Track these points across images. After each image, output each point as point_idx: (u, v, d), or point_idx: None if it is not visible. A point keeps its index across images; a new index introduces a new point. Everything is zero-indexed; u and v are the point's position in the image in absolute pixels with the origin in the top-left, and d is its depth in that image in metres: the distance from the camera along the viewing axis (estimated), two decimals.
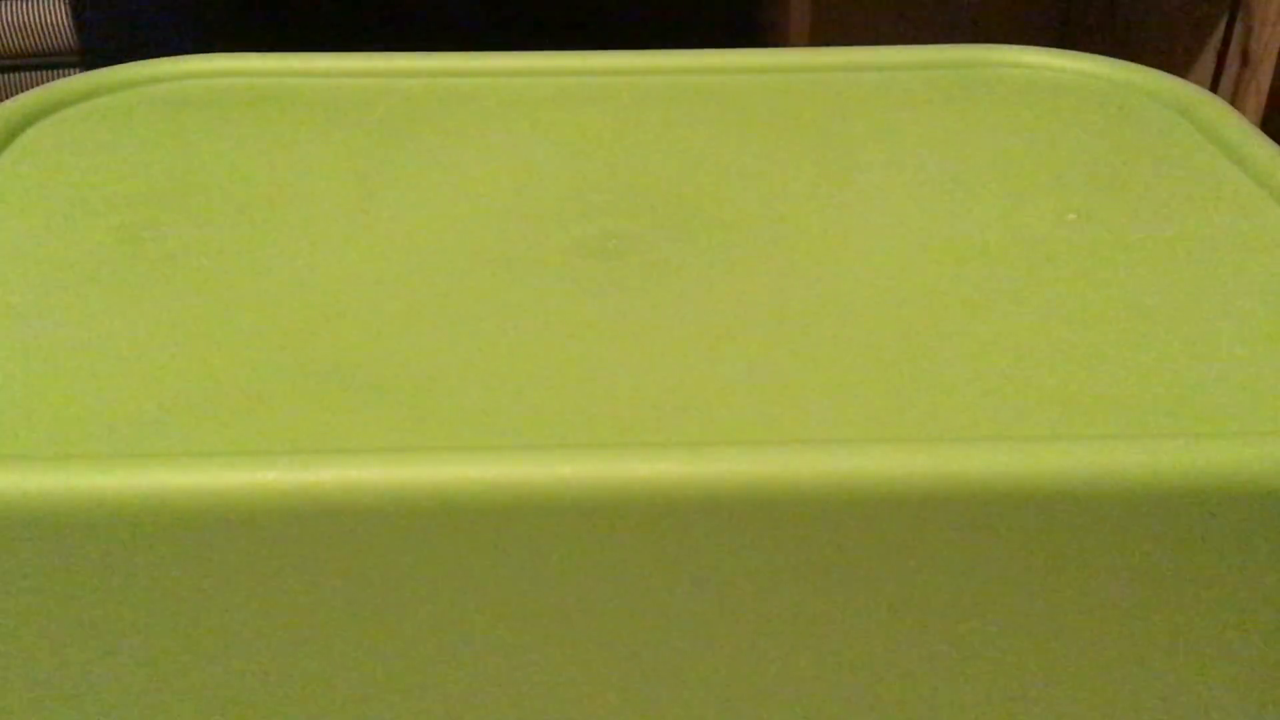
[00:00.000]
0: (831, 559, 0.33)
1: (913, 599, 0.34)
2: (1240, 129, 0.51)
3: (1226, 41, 1.35)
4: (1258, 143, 0.50)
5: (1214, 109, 0.53)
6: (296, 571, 0.33)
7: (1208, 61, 1.39)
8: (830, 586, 0.34)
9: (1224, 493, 0.33)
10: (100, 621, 0.33)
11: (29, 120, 0.52)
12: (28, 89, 0.54)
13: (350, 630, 0.34)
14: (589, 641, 0.34)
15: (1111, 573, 0.34)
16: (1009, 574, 0.34)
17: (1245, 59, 1.32)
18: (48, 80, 1.26)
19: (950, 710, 0.36)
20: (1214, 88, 1.37)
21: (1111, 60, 0.57)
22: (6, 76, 1.35)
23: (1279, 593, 0.34)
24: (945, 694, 0.36)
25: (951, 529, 0.33)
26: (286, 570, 0.33)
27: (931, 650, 0.35)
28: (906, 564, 0.33)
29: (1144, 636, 0.35)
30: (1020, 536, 0.33)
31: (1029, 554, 0.33)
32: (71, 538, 0.32)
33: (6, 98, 0.54)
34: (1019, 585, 0.34)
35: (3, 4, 1.31)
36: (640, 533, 0.33)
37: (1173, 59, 1.43)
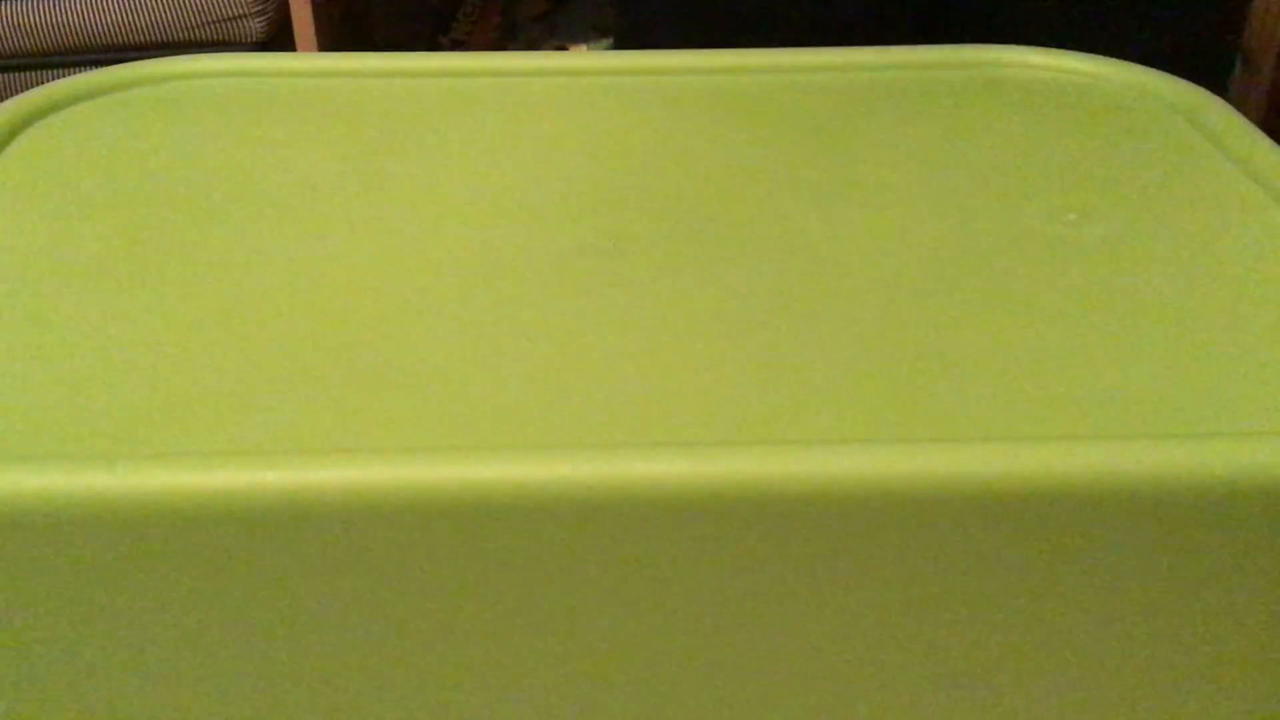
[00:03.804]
0: (832, 559, 0.33)
1: (913, 598, 0.34)
2: (1240, 129, 0.51)
3: None
4: (1258, 143, 0.49)
5: (1214, 109, 0.53)
6: (296, 570, 0.33)
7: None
8: (831, 586, 0.34)
9: (1224, 493, 0.33)
10: (100, 620, 0.33)
11: (29, 120, 0.52)
12: (28, 89, 0.54)
13: (350, 628, 0.34)
14: (589, 640, 0.34)
15: (1112, 572, 0.34)
16: (1009, 574, 0.34)
17: (1245, 59, 1.32)
18: (48, 80, 1.26)
19: (951, 708, 0.36)
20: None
21: (1111, 60, 0.57)
22: (6, 76, 1.35)
23: (1278, 592, 0.34)
24: (946, 692, 0.36)
25: (951, 529, 0.33)
26: (286, 569, 0.33)
27: (932, 648, 0.35)
28: (906, 564, 0.33)
29: (1144, 635, 0.35)
30: (1020, 536, 0.33)
31: (1029, 554, 0.33)
32: (71, 538, 0.32)
33: (6, 98, 0.54)
34: (1019, 585, 0.34)
35: (2, 4, 1.31)
36: (640, 532, 0.33)
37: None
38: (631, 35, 0.81)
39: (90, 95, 0.55)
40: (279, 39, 1.36)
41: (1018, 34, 0.60)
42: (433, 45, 1.45)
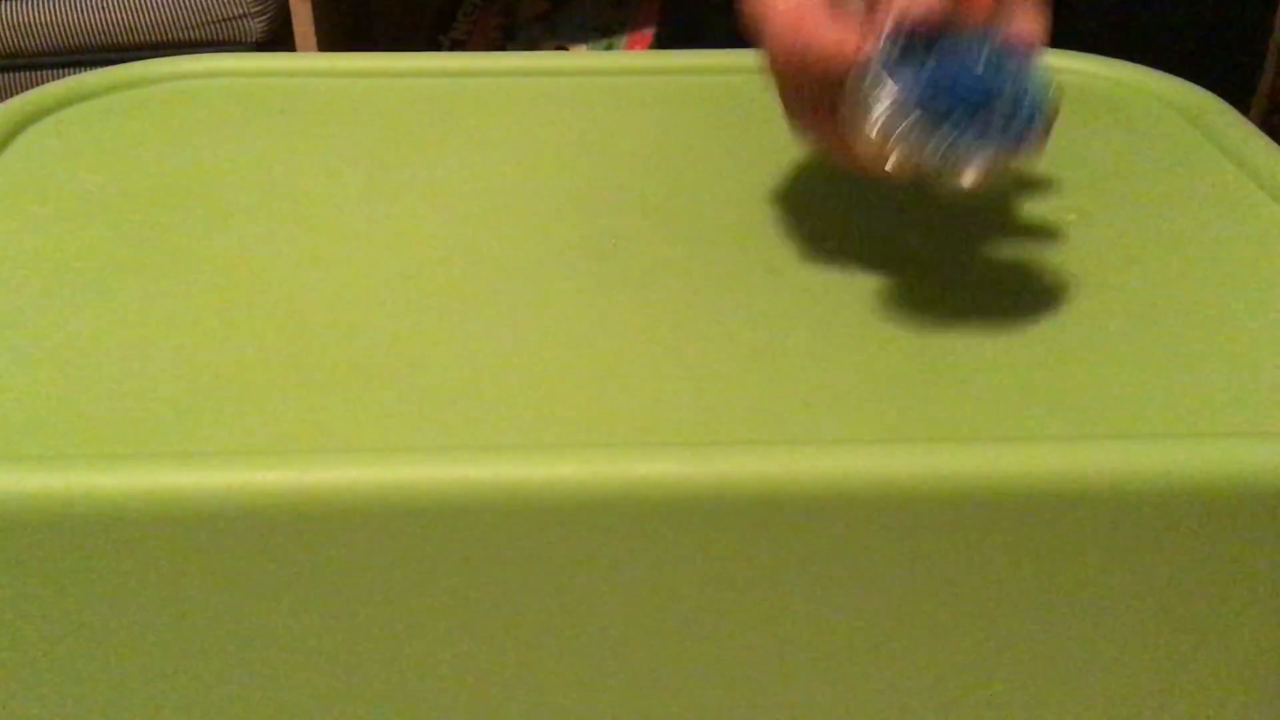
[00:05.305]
0: (832, 559, 0.33)
1: (913, 598, 0.34)
2: (1240, 129, 0.51)
3: None
4: (1258, 143, 0.49)
5: (1214, 109, 0.53)
6: (296, 570, 0.33)
7: None
8: (830, 585, 0.34)
9: (1224, 493, 0.33)
10: (100, 620, 0.33)
11: (29, 120, 0.52)
12: (28, 89, 0.54)
13: (350, 628, 0.34)
14: (589, 639, 0.34)
15: (1112, 572, 0.34)
16: (1010, 574, 0.34)
17: None
18: (48, 80, 1.26)
19: (951, 708, 0.36)
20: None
21: (1111, 60, 0.57)
22: (6, 76, 1.35)
23: (1278, 592, 0.34)
24: (945, 691, 0.36)
25: (952, 529, 0.33)
26: (286, 569, 0.33)
27: (932, 648, 0.35)
28: (906, 564, 0.33)
29: (1144, 635, 0.35)
30: (1021, 536, 0.33)
31: (1029, 554, 0.33)
32: (71, 538, 0.32)
33: (6, 98, 0.54)
34: (1020, 585, 0.34)
35: (2, 4, 1.31)
36: (640, 533, 0.33)
37: None
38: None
39: (90, 95, 0.55)
40: (279, 39, 1.36)
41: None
42: (433, 45, 1.45)
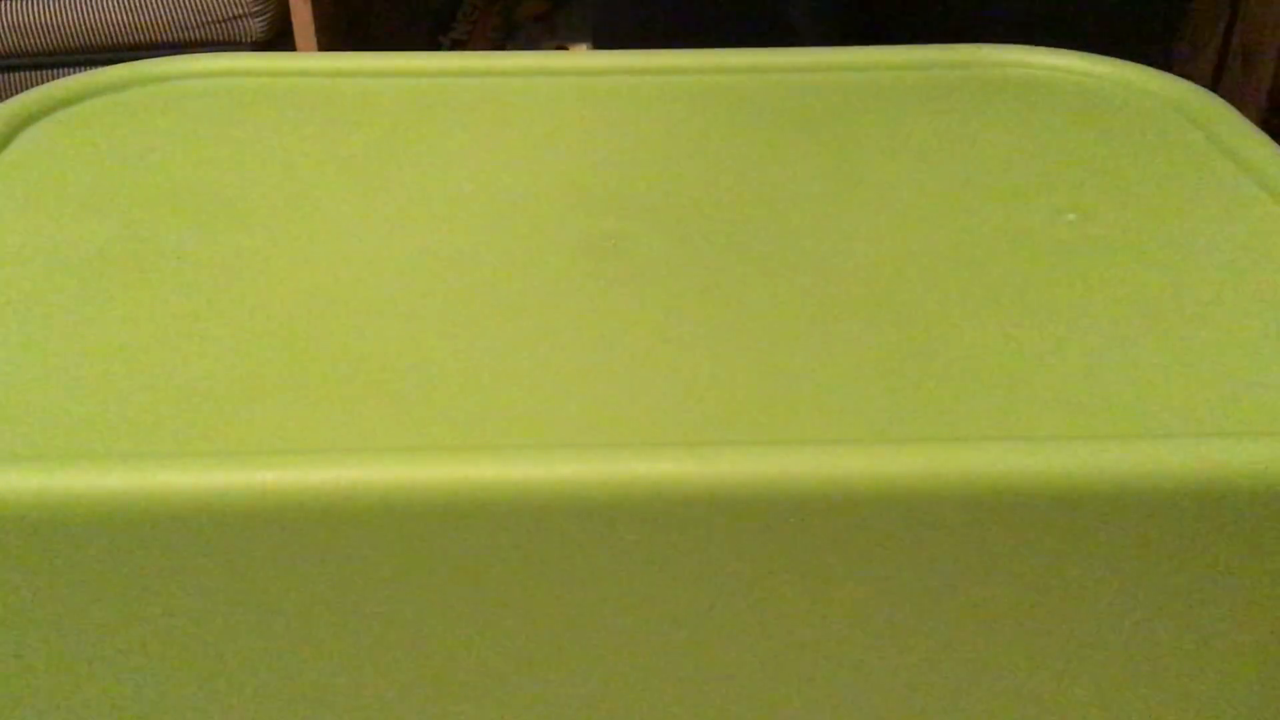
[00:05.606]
0: (831, 559, 0.33)
1: (912, 598, 0.34)
2: (1240, 129, 0.51)
3: (1227, 41, 1.35)
4: (1258, 143, 0.49)
5: (1214, 109, 0.53)
6: (295, 570, 0.33)
7: (1208, 61, 1.38)
8: (830, 586, 0.34)
9: (1224, 493, 0.33)
10: (100, 620, 0.33)
11: (29, 120, 0.52)
12: (28, 89, 0.54)
13: (349, 629, 0.34)
14: (588, 640, 0.34)
15: (1111, 572, 0.34)
16: (1009, 574, 0.34)
17: (1245, 59, 1.32)
18: (48, 80, 1.26)
19: (951, 708, 0.36)
20: (1214, 88, 1.37)
21: (1112, 60, 0.57)
22: (6, 76, 1.35)
23: (1279, 592, 0.34)
24: (946, 692, 0.36)
25: (952, 529, 0.33)
26: (285, 569, 0.33)
27: (931, 648, 0.35)
28: (906, 564, 0.33)
29: (1143, 635, 0.35)
30: (1020, 536, 0.33)
31: (1029, 554, 0.33)
32: (71, 538, 0.32)
33: (6, 98, 0.54)
34: (1019, 585, 0.34)
35: (2, 4, 1.31)
36: (640, 533, 0.33)
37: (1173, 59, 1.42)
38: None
39: (90, 95, 0.55)
40: (279, 39, 1.36)
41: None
42: (433, 45, 1.45)
